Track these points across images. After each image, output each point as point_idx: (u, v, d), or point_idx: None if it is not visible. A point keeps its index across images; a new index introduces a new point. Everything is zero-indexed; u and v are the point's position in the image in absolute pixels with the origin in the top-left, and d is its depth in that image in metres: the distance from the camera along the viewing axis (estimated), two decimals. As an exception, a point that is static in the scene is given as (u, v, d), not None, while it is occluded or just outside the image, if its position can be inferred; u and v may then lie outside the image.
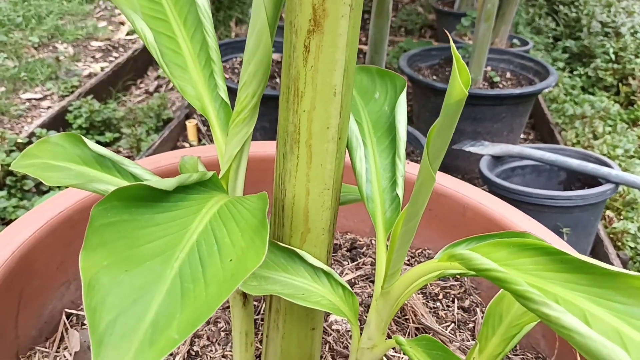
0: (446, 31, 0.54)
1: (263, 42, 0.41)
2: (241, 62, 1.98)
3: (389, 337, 0.61)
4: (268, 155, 0.81)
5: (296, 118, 0.41)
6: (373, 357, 0.47)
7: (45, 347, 0.63)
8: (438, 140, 0.33)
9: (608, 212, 1.62)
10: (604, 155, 1.83)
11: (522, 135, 2.11)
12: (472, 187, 0.77)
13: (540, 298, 0.29)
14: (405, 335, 0.67)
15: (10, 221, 1.47)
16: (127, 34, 3.17)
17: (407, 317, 0.70)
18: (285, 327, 0.49)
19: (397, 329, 0.68)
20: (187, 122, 2.01)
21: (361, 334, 0.48)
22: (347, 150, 0.45)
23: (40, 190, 1.62)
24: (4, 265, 0.56)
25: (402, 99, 0.48)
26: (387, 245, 0.46)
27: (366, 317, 0.69)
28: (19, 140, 1.69)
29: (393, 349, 0.65)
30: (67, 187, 0.71)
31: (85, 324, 0.66)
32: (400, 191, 0.45)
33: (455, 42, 2.43)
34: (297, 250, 0.45)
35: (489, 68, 1.96)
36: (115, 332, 0.26)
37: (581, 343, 0.27)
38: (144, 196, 0.34)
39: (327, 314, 0.69)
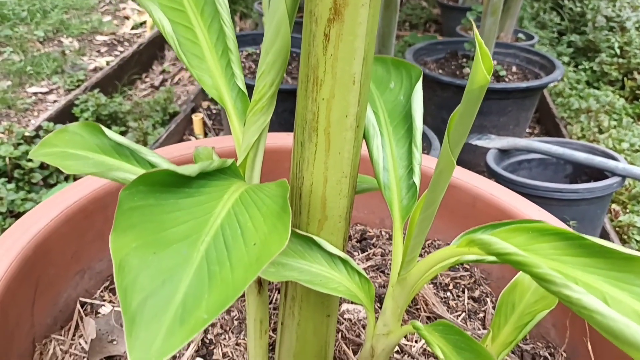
0: (474, 26, 0.54)
1: (282, 31, 0.41)
2: (247, 55, 1.98)
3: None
4: (279, 146, 0.81)
5: (315, 106, 0.41)
6: (388, 343, 0.48)
7: (61, 335, 0.64)
8: (459, 127, 0.33)
9: (614, 206, 1.62)
10: (610, 149, 1.83)
11: (527, 130, 2.11)
12: (482, 178, 0.78)
13: (561, 280, 0.29)
14: (416, 324, 0.67)
15: (19, 213, 1.48)
16: (132, 29, 3.17)
17: (418, 306, 0.70)
18: (301, 314, 0.50)
19: (408, 317, 0.68)
20: (193, 116, 2.02)
21: (376, 320, 0.48)
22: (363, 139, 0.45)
23: (48, 183, 1.63)
24: (21, 254, 0.57)
25: (418, 88, 0.48)
26: (403, 233, 0.47)
27: (379, 306, 0.69)
28: (27, 134, 1.69)
29: (405, 337, 0.65)
30: (75, 180, 0.72)
31: (99, 313, 0.67)
32: (417, 179, 0.45)
33: (460, 36, 2.43)
34: (315, 237, 0.45)
35: (495, 62, 1.96)
36: (146, 311, 0.27)
37: (603, 323, 0.28)
38: (167, 182, 0.35)
39: (340, 303, 0.70)
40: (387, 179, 0.46)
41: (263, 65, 0.43)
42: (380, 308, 0.58)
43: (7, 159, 1.58)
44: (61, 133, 0.51)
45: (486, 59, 0.30)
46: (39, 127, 1.82)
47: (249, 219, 0.35)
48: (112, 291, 0.71)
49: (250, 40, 2.05)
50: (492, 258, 0.44)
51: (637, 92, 2.46)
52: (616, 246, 0.33)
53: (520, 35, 2.46)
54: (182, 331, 0.27)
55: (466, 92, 0.32)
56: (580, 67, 2.69)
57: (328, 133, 0.42)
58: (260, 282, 0.55)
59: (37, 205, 0.66)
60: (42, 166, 1.64)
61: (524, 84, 1.69)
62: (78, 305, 0.67)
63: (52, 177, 1.63)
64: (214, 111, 2.21)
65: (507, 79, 1.87)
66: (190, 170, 0.36)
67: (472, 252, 0.38)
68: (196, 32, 0.50)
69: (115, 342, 0.62)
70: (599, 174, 1.41)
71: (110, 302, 0.69)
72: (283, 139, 0.82)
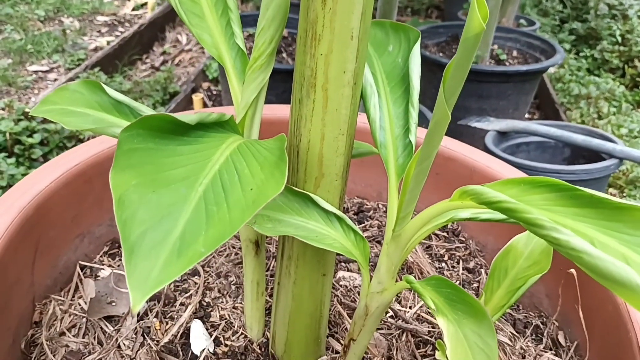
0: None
1: (282, -14, 0.42)
2: (248, 36, 1.98)
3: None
4: (277, 117, 0.82)
5: (313, 62, 0.42)
6: (382, 301, 0.48)
7: (60, 296, 0.64)
8: (455, 77, 0.34)
9: (611, 190, 1.63)
10: (609, 134, 1.84)
11: (527, 115, 2.11)
12: (480, 151, 0.78)
13: (549, 224, 0.30)
14: (411, 292, 0.68)
15: (19, 188, 1.48)
16: (133, 9, 3.16)
17: (414, 275, 0.71)
18: (297, 273, 0.51)
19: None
20: (193, 96, 2.02)
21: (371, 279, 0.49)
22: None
23: (48, 159, 1.63)
24: (22, 213, 0.57)
25: (416, 50, 0.48)
26: (398, 191, 0.47)
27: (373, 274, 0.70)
28: (27, 110, 1.69)
29: (399, 303, 0.66)
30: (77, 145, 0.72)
31: (99, 276, 0.68)
32: (413, 138, 0.46)
33: (461, 20, 2.42)
34: (311, 194, 0.46)
35: (495, 46, 1.96)
36: (145, 243, 0.28)
37: (590, 263, 0.28)
38: (166, 128, 0.35)
39: (335, 270, 0.71)
40: (384, 138, 0.47)
41: (263, 21, 0.44)
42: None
43: (7, 135, 1.58)
44: (62, 91, 0.51)
45: (482, 6, 0.30)
46: (39, 104, 1.82)
47: (246, 167, 0.35)
48: (112, 256, 0.72)
49: (252, 21, 2.05)
50: (485, 215, 0.44)
51: (638, 79, 2.46)
52: (608, 196, 0.34)
53: (522, 21, 2.45)
54: (180, 262, 0.27)
55: (462, 41, 0.32)
56: (581, 54, 2.69)
57: (326, 89, 0.42)
58: (257, 243, 0.56)
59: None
60: (42, 142, 1.64)
61: (524, 67, 1.70)
62: (78, 268, 0.68)
63: (52, 154, 1.64)
64: (214, 92, 2.21)
65: (507, 63, 1.87)
66: (189, 118, 0.37)
67: (465, 206, 0.38)
68: (197, -8, 0.50)
69: (114, 304, 0.63)
70: (597, 157, 1.42)
71: (110, 266, 0.70)
72: (281, 111, 0.83)
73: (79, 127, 0.48)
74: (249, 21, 2.04)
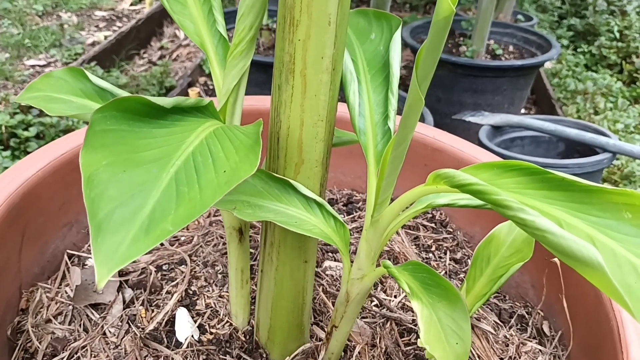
0: None
1: (261, -27, 0.42)
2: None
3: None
4: (258, 108, 0.82)
5: (291, 47, 0.42)
6: (362, 287, 0.49)
7: (47, 284, 0.65)
8: (427, 61, 0.34)
9: (606, 185, 1.63)
10: (604, 130, 1.84)
11: (523, 110, 2.12)
12: (467, 143, 0.78)
13: (516, 205, 0.30)
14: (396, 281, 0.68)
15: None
16: (131, 5, 3.16)
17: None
18: (279, 259, 0.51)
19: (389, 274, 0.69)
20: (189, 90, 2.02)
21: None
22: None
23: (44, 152, 1.63)
24: (9, 199, 0.58)
25: (397, 37, 0.49)
26: (377, 177, 0.47)
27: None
28: (23, 104, 1.70)
29: (384, 292, 0.67)
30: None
31: (86, 265, 0.68)
32: (392, 124, 0.46)
33: (458, 15, 2.42)
34: (291, 180, 0.46)
35: (491, 41, 1.96)
36: (113, 220, 0.28)
37: (554, 242, 0.29)
38: (141, 111, 0.36)
39: (321, 260, 0.71)
40: (364, 125, 0.47)
41: (242, 7, 0.44)
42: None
43: (3, 128, 1.58)
44: (46, 78, 0.52)
45: (451, -12, 0.31)
46: (36, 98, 1.82)
47: (221, 150, 0.36)
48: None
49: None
50: (463, 202, 0.45)
51: (635, 75, 2.46)
52: (579, 179, 0.34)
53: (520, 16, 2.45)
54: (148, 239, 0.28)
55: (432, 24, 0.32)
56: (579, 50, 2.69)
57: (304, 75, 0.42)
58: (241, 231, 0.56)
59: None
60: (38, 136, 1.64)
61: (519, 62, 1.70)
62: (65, 257, 0.68)
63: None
64: (211, 86, 2.21)
65: (503, 58, 1.87)
66: (165, 101, 0.37)
67: (440, 190, 0.38)
68: (180, -20, 0.51)
69: (100, 292, 0.63)
70: (591, 151, 1.42)
71: (97, 254, 0.70)
72: (263, 101, 0.83)
73: (63, 113, 0.48)
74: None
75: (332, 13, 0.40)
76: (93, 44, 2.54)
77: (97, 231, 0.27)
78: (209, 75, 2.29)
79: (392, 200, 0.44)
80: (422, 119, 1.49)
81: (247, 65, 0.47)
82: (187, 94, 2.03)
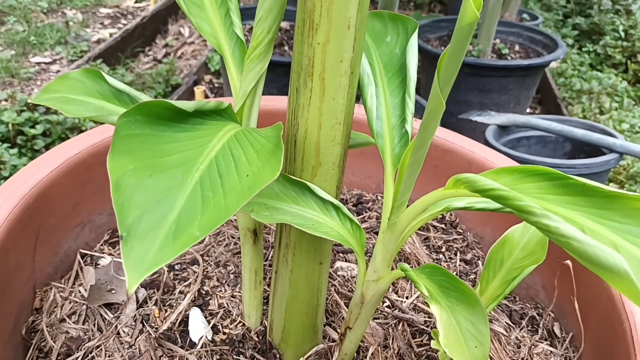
0: None
1: (280, -24, 0.42)
2: (250, 29, 1.98)
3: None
4: (278, 109, 0.82)
5: (310, 51, 0.42)
6: (378, 290, 0.49)
7: (61, 284, 0.65)
8: (449, 65, 0.34)
9: (612, 185, 1.63)
10: (610, 130, 1.84)
11: (528, 110, 2.11)
12: (478, 144, 0.78)
13: (540, 211, 0.30)
14: (408, 282, 0.69)
15: (21, 179, 1.49)
16: (136, 2, 3.16)
17: (411, 266, 0.72)
18: (294, 261, 0.51)
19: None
20: (195, 89, 2.02)
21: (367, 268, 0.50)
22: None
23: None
24: (24, 200, 0.58)
25: (414, 40, 0.49)
26: (394, 181, 0.48)
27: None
28: (30, 101, 1.70)
29: (396, 293, 0.67)
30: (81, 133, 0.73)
31: (99, 264, 0.68)
32: (409, 127, 0.46)
33: (464, 14, 2.42)
34: (308, 183, 0.46)
35: (497, 40, 1.96)
36: (141, 226, 0.28)
37: (579, 249, 0.29)
38: (164, 115, 0.36)
39: (333, 260, 0.71)
40: (380, 128, 0.47)
41: (260, 11, 0.44)
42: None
43: (10, 125, 1.59)
44: (63, 79, 0.52)
45: (475, -5, 0.31)
46: (42, 95, 1.82)
47: (242, 154, 0.36)
48: (112, 244, 0.73)
49: (253, 14, 2.05)
50: (480, 205, 0.45)
51: (640, 75, 2.46)
52: (600, 185, 0.34)
53: (525, 15, 2.45)
54: (175, 245, 0.28)
55: (456, 31, 0.33)
56: (584, 49, 2.69)
57: (323, 78, 0.43)
58: (255, 232, 0.56)
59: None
60: (45, 133, 1.65)
61: (526, 62, 1.70)
62: (78, 256, 0.69)
63: (54, 145, 1.64)
64: (216, 84, 2.21)
65: (509, 57, 1.87)
66: (187, 105, 0.37)
67: (459, 194, 0.39)
68: (196, -18, 0.51)
69: (114, 292, 0.64)
70: (597, 152, 1.42)
71: (110, 254, 0.70)
72: (280, 102, 0.83)
73: (80, 114, 0.48)
74: (251, 14, 2.04)
75: (351, 17, 0.40)
76: (98, 42, 2.54)
77: (126, 237, 0.27)
78: (214, 74, 2.29)
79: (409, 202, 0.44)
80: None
81: (264, 68, 0.47)
82: (193, 93, 2.03)
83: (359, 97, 0.79)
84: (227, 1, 0.50)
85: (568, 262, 0.62)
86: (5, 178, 1.47)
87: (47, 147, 1.63)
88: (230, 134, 0.38)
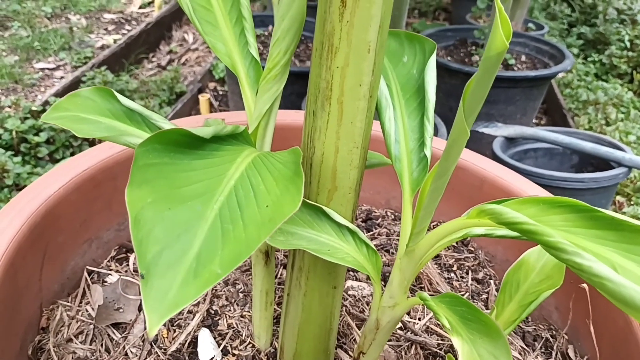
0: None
1: (298, -2, 0.41)
2: (258, 35, 1.98)
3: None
4: (288, 123, 0.81)
5: (329, 74, 0.41)
6: (394, 316, 0.48)
7: (68, 302, 0.64)
8: (475, 94, 0.33)
9: (618, 197, 1.62)
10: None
11: (534, 120, 2.11)
12: (490, 161, 0.78)
13: (572, 248, 0.29)
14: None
15: (25, 187, 1.48)
16: (140, 8, 3.16)
17: (422, 285, 0.71)
18: (307, 285, 0.50)
19: (412, 295, 0.68)
20: (200, 96, 2.01)
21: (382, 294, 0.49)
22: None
23: (54, 158, 1.63)
24: (31, 218, 0.57)
25: (432, 61, 0.48)
26: (413, 206, 0.47)
27: (383, 284, 0.70)
28: (34, 108, 1.69)
29: (408, 314, 0.66)
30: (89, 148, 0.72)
31: (106, 281, 0.67)
32: (428, 152, 0.46)
33: (469, 24, 2.41)
34: (324, 207, 0.45)
35: (504, 51, 1.95)
36: (161, 263, 0.27)
37: (613, 290, 0.28)
38: (181, 142, 0.35)
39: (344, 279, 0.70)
40: (399, 151, 0.46)
41: (278, 32, 0.43)
42: (385, 285, 0.58)
43: (13, 133, 1.58)
44: (73, 97, 0.51)
45: (505, 24, 0.30)
46: (46, 102, 1.82)
47: (261, 182, 0.35)
48: (119, 261, 0.72)
49: (258, 22, 2.04)
50: (501, 232, 0.44)
51: (646, 86, 2.45)
52: (628, 219, 0.33)
53: (530, 25, 2.44)
54: (196, 283, 0.27)
55: (483, 60, 0.32)
56: (589, 59, 2.68)
57: (341, 102, 0.42)
58: (267, 253, 0.55)
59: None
60: (49, 141, 1.64)
61: (533, 73, 1.69)
62: (85, 274, 0.68)
63: (58, 152, 1.64)
64: (221, 92, 2.21)
65: (516, 68, 1.86)
66: (204, 132, 0.36)
67: (482, 224, 0.38)
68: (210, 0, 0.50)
69: (121, 310, 0.63)
70: (605, 165, 1.41)
71: (117, 271, 0.69)
72: (292, 116, 0.82)
73: (91, 134, 0.48)
74: (255, 22, 2.04)
75: (371, 40, 0.39)
76: (102, 48, 2.54)
77: (146, 275, 0.26)
78: (219, 81, 2.29)
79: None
80: (436, 130, 1.48)
81: (280, 89, 0.46)
82: (197, 100, 2.02)
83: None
84: (242, 20, 0.49)
85: (584, 285, 0.61)
86: (9, 186, 1.47)
87: (51, 155, 1.63)
88: (247, 160, 0.37)
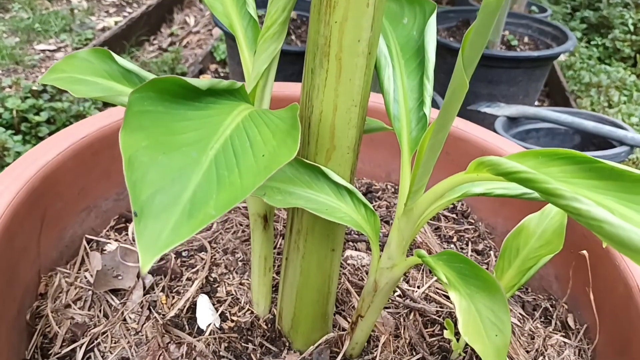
0: None
1: (296, -48, 0.41)
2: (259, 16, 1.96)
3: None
4: (287, 95, 0.81)
5: (327, 30, 0.41)
6: (392, 277, 0.48)
7: (66, 269, 0.64)
8: (474, 43, 0.33)
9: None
10: (619, 123, 1.82)
11: (537, 102, 2.09)
12: (491, 133, 0.77)
13: (570, 194, 0.29)
14: (420, 271, 0.68)
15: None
16: (141, -10, 3.14)
17: (421, 255, 0.70)
18: (306, 247, 0.50)
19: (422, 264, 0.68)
20: (200, 77, 2.01)
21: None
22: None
23: (55, 137, 1.63)
24: (29, 183, 0.57)
25: (432, 22, 0.47)
26: (411, 165, 0.46)
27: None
28: (34, 88, 1.69)
29: (407, 282, 0.66)
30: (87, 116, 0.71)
31: (105, 250, 0.67)
32: (427, 110, 0.45)
33: (471, 5, 2.40)
34: (322, 167, 0.45)
35: (506, 32, 1.94)
36: (155, 204, 0.27)
37: (612, 233, 0.27)
38: (177, 93, 0.35)
39: (343, 249, 0.70)
40: (397, 111, 0.46)
41: (276, -12, 0.43)
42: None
43: (14, 112, 1.58)
44: (71, 59, 0.51)
45: (505, -33, 0.29)
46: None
47: (258, 134, 0.35)
48: (118, 231, 0.72)
49: (259, 2, 2.02)
50: (500, 191, 0.43)
51: (649, 69, 2.44)
52: (629, 168, 0.33)
53: (534, 7, 2.42)
54: (190, 224, 0.27)
55: (482, 7, 0.31)
56: (592, 43, 2.66)
57: (340, 58, 0.41)
58: (266, 218, 0.55)
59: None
60: (49, 121, 1.64)
61: (535, 53, 1.68)
62: (84, 242, 0.68)
63: (57, 132, 1.63)
64: (222, 74, 2.20)
65: (518, 49, 1.85)
66: (200, 83, 0.36)
67: (481, 178, 0.37)
68: (208, -40, 0.49)
69: (120, 277, 0.63)
70: (607, 144, 1.40)
71: (116, 240, 0.69)
72: (291, 88, 0.82)
73: (88, 95, 0.47)
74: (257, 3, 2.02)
75: (370, -6, 0.39)
76: (103, 30, 2.52)
77: (139, 216, 0.26)
78: (220, 62, 2.28)
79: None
80: (437, 107, 1.48)
81: (278, 49, 0.45)
82: (198, 81, 2.01)
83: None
84: (240, -21, 0.48)
85: (584, 252, 0.61)
86: (9, 164, 1.46)
87: (51, 134, 1.62)
88: (244, 114, 0.37)
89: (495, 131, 1.43)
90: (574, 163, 0.35)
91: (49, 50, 2.29)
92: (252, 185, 0.30)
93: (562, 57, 2.44)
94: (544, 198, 0.31)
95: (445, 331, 0.56)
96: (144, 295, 0.61)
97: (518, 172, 0.32)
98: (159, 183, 0.28)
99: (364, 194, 0.83)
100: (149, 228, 0.26)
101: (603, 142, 1.41)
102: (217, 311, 0.59)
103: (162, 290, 0.61)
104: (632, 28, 2.63)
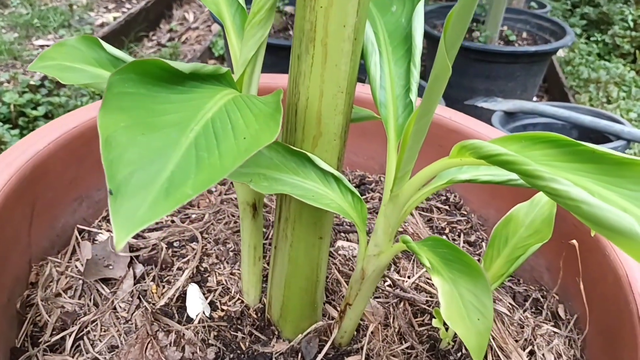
0: None
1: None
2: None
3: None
4: (275, 86, 0.81)
5: (313, 15, 0.41)
6: (379, 264, 0.48)
7: (57, 258, 0.64)
8: (456, 26, 0.33)
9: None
10: (617, 119, 1.82)
11: (535, 98, 2.09)
12: (483, 124, 0.77)
13: (549, 175, 0.29)
14: (410, 262, 0.68)
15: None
16: (140, -14, 3.13)
17: (413, 246, 0.70)
18: (293, 235, 0.50)
19: (402, 255, 0.68)
20: (198, 73, 2.00)
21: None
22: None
23: (52, 132, 1.63)
24: (20, 171, 0.57)
25: (420, 9, 0.47)
26: (397, 151, 0.46)
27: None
28: (32, 82, 1.69)
29: (398, 272, 0.66)
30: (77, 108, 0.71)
31: (96, 240, 0.68)
32: (413, 97, 0.45)
33: (471, 1, 2.39)
34: (308, 154, 0.45)
35: (505, 27, 1.93)
36: (132, 183, 0.27)
37: (589, 212, 0.27)
38: (159, 75, 0.35)
39: (334, 240, 0.70)
40: (384, 97, 0.46)
41: (262, -27, 0.43)
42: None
43: (11, 106, 1.58)
44: (60, 47, 0.51)
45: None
46: (44, 77, 1.81)
47: (240, 117, 0.35)
48: (110, 221, 0.72)
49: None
50: (486, 177, 0.43)
51: (649, 65, 2.43)
52: (611, 151, 0.33)
53: (533, 3, 2.42)
54: (167, 202, 0.27)
55: (464, -12, 0.31)
56: (592, 39, 2.66)
57: (325, 44, 0.41)
58: (255, 207, 0.55)
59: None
60: (47, 115, 1.64)
61: (533, 48, 1.67)
62: (75, 232, 0.68)
63: (56, 127, 1.63)
64: (220, 69, 2.20)
65: (516, 44, 1.85)
66: (183, 67, 0.36)
67: (464, 162, 0.37)
68: (197, -53, 0.49)
69: (111, 267, 0.63)
70: (604, 139, 1.40)
71: (108, 230, 0.69)
72: (280, 79, 0.82)
73: (76, 82, 0.47)
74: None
75: (355, -21, 0.39)
76: (102, 25, 2.52)
77: (115, 194, 0.26)
78: (218, 58, 2.28)
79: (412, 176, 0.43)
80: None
81: (265, 35, 0.45)
82: (196, 76, 2.01)
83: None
84: (227, -34, 0.48)
85: (574, 241, 0.61)
86: (7, 159, 1.47)
87: (49, 129, 1.62)
88: (227, 98, 0.37)
89: (492, 126, 1.43)
90: (556, 147, 0.35)
91: (47, 46, 2.29)
92: (232, 165, 0.30)
93: (561, 53, 2.44)
94: (524, 180, 0.31)
95: (434, 320, 0.56)
96: (135, 284, 0.61)
97: (499, 155, 0.32)
98: (138, 162, 0.28)
99: (357, 186, 0.83)
100: (124, 206, 0.26)
101: (600, 137, 1.41)
102: (207, 300, 0.59)
103: (153, 280, 0.61)
104: (631, 24, 2.62)
